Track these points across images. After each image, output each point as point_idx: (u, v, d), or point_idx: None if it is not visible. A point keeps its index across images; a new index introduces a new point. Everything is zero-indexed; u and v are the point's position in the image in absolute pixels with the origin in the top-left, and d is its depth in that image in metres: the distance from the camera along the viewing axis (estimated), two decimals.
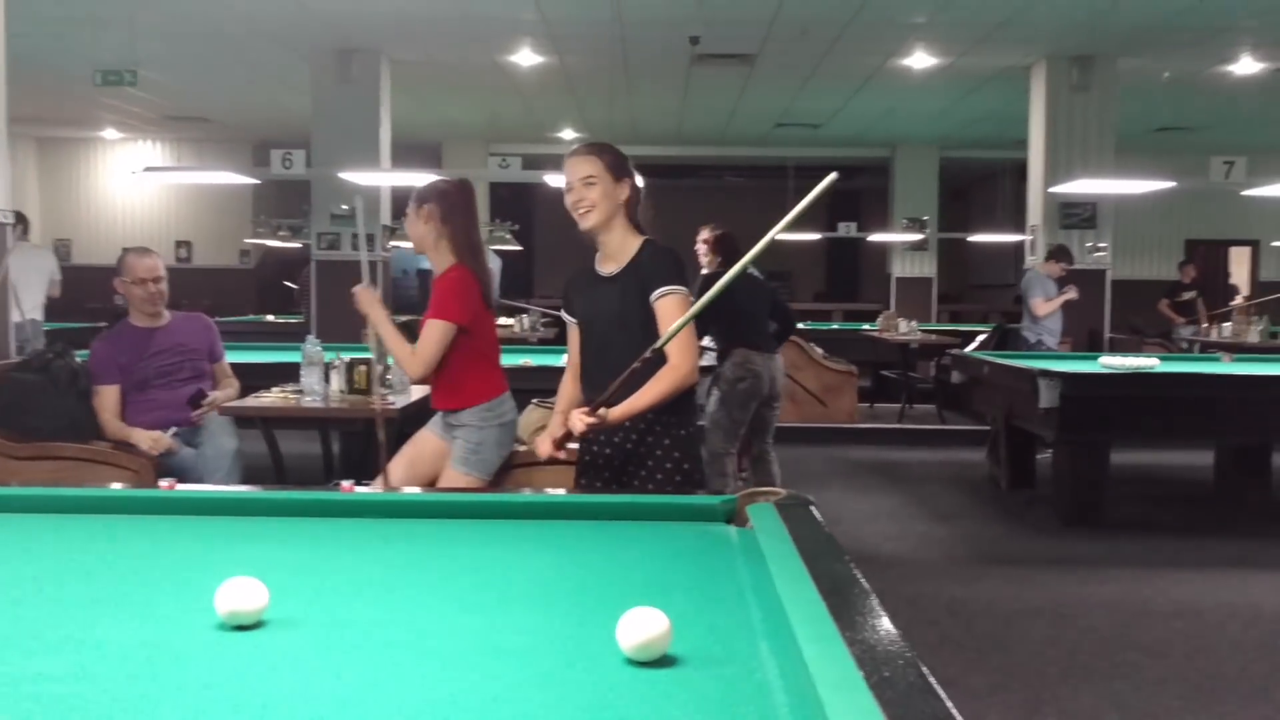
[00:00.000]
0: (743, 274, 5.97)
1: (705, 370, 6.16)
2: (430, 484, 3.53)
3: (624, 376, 2.66)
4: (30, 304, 6.92)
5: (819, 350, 9.22)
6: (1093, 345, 8.85)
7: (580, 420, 2.72)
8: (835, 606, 1.52)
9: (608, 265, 2.96)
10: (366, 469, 4.18)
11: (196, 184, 14.43)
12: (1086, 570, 5.03)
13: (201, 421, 4.25)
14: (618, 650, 1.45)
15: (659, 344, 2.68)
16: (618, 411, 2.76)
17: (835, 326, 12.49)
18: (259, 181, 11.45)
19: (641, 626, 1.44)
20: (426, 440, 3.73)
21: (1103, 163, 8.80)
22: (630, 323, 2.84)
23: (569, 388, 3.11)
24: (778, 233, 2.56)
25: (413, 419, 4.06)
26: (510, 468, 3.65)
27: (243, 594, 1.56)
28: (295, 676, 1.41)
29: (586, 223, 2.89)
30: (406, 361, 3.52)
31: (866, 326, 11.24)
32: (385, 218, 9.37)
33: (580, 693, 1.37)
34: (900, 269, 14.23)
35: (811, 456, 8.05)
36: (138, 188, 14.54)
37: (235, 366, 4.57)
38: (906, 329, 9.90)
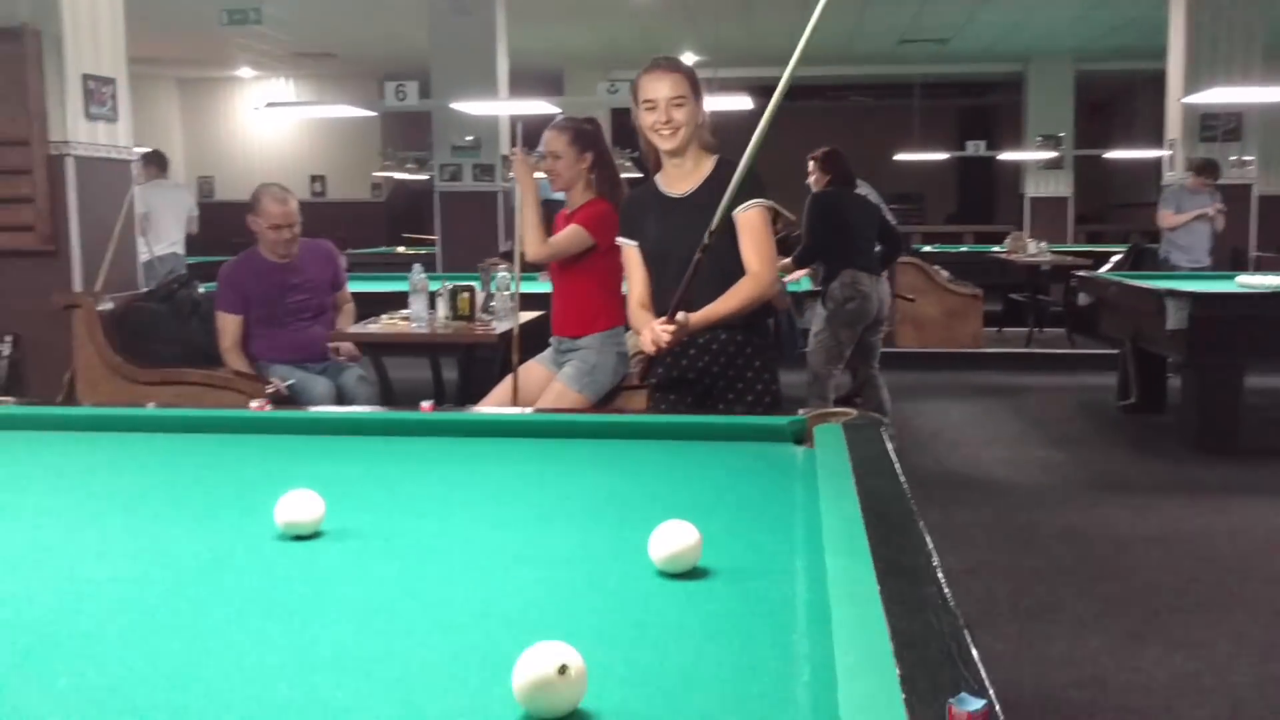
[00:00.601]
0: (850, 194, 5.89)
1: (813, 294, 6.09)
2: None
3: (689, 275, 2.62)
4: (171, 239, 7.26)
5: (944, 273, 9.00)
6: (1236, 265, 8.39)
7: (663, 332, 2.67)
8: (872, 523, 1.50)
9: (679, 186, 2.91)
10: (473, 394, 4.30)
11: (328, 119, 14.79)
12: (1212, 498, 4.83)
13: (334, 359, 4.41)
14: (650, 562, 1.47)
15: (712, 226, 2.61)
16: (698, 317, 2.73)
17: (963, 249, 12.13)
18: (375, 114, 11.65)
19: (670, 539, 1.46)
20: (533, 370, 3.84)
21: (1249, 70, 8.25)
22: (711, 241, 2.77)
23: (642, 315, 2.91)
24: (760, 136, 2.52)
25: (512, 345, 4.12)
26: (614, 393, 3.76)
27: (299, 506, 1.63)
28: (340, 582, 1.47)
29: (671, 144, 2.83)
30: (533, 239, 3.62)
31: (996, 249, 10.90)
32: (504, 147, 9.45)
33: (605, 600, 1.40)
34: (1034, 189, 13.69)
35: (933, 381, 7.90)
36: (273, 124, 15.00)
37: (359, 296, 4.73)
38: (1035, 250, 9.55)
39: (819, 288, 6.91)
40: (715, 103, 7.70)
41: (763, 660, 1.19)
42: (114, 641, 1.26)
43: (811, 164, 5.84)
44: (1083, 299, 6.98)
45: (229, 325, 4.22)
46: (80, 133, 4.45)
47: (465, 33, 9.14)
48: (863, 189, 6.96)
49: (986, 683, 1.01)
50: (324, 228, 15.15)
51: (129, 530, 1.72)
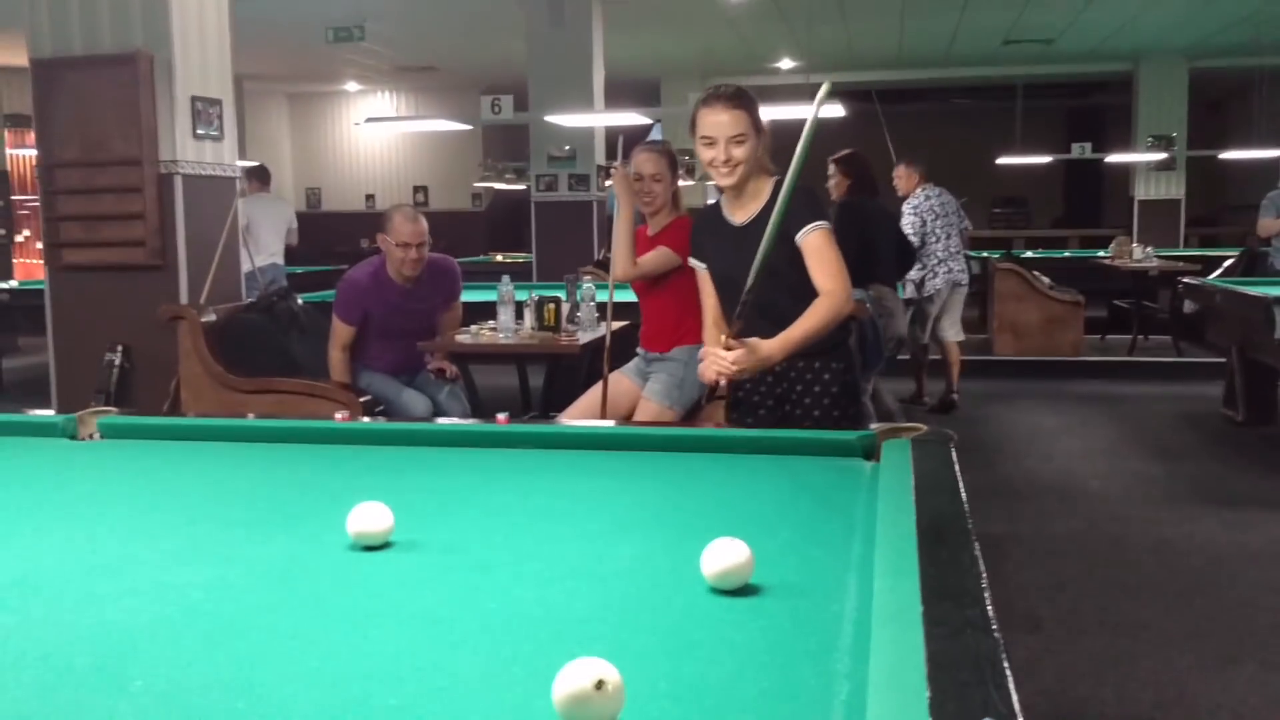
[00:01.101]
0: (874, 204, 5.77)
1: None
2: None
3: (739, 309, 2.51)
4: (271, 251, 7.52)
5: (1045, 280, 8.81)
6: None
7: (726, 363, 2.56)
8: (925, 542, 1.51)
9: (740, 213, 2.86)
10: (557, 403, 4.37)
11: (431, 132, 15.12)
12: None
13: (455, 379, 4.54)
14: (703, 578, 1.50)
15: (754, 267, 2.46)
16: (775, 345, 2.63)
17: (1066, 254, 11.85)
18: (470, 127, 11.86)
19: (721, 556, 1.48)
20: (619, 381, 3.90)
21: None
22: (778, 269, 2.66)
23: (714, 334, 2.92)
24: (797, 171, 2.40)
25: (597, 356, 4.18)
26: (700, 406, 3.80)
27: (370, 517, 1.70)
28: (402, 592, 1.53)
29: (729, 181, 2.77)
30: (624, 260, 3.69)
31: (1101, 254, 10.62)
32: (599, 157, 9.55)
33: (654, 615, 1.43)
34: (1144, 191, 13.29)
35: (1030, 390, 7.75)
36: (378, 137, 15.39)
37: None
38: (1141, 255, 9.28)
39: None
40: (808, 111, 7.67)
41: (802, 680, 1.21)
42: (185, 646, 1.34)
43: (833, 167, 5.68)
44: (1189, 306, 6.79)
45: (341, 333, 4.29)
46: (188, 151, 4.65)
47: (562, 44, 9.26)
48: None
49: (1016, 706, 1.02)
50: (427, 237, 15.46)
51: (210, 537, 1.81)
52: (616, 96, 9.96)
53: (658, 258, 3.69)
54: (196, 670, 1.26)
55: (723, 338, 2.65)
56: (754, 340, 2.59)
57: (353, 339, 4.32)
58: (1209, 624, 3.51)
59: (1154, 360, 8.46)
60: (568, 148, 9.50)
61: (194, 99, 4.62)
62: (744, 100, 2.76)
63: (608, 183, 9.80)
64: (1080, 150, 11.26)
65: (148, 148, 4.51)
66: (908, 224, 6.95)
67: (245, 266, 5.85)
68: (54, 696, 1.19)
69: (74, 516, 1.95)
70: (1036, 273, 8.87)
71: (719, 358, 2.57)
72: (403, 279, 4.30)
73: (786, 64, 13.14)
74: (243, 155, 7.35)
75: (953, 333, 7.03)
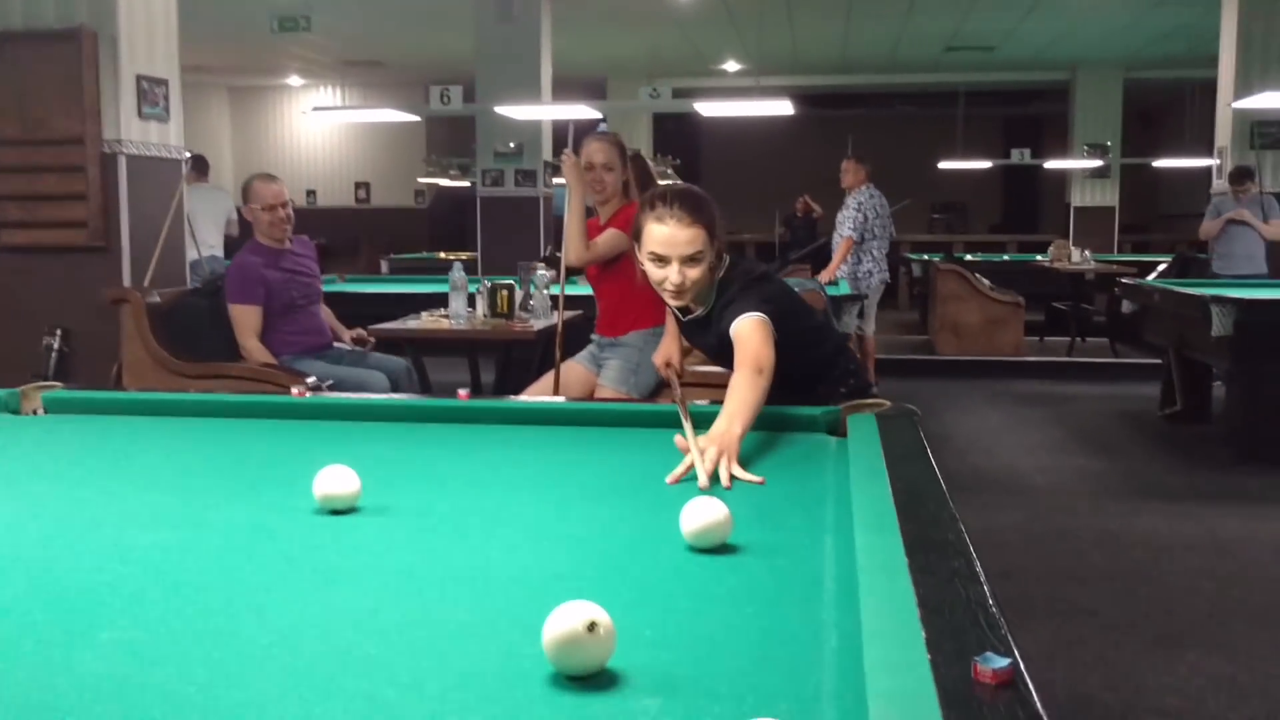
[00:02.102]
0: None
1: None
2: None
3: (683, 414, 2.19)
4: (210, 243, 7.35)
5: (985, 282, 8.94)
6: None
7: (721, 470, 1.90)
8: (903, 502, 1.51)
9: (694, 308, 2.57)
10: (511, 392, 4.33)
11: (373, 126, 14.96)
12: (1254, 506, 4.76)
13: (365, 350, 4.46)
14: (681, 540, 1.49)
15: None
16: (736, 425, 2.03)
17: (1005, 258, 12.04)
18: (419, 119, 11.77)
19: (700, 514, 1.47)
20: (572, 369, 3.88)
21: None
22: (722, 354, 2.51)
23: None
24: None
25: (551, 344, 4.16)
26: (655, 391, 3.78)
27: (337, 480, 1.66)
28: (375, 552, 1.50)
29: (678, 303, 2.48)
30: (577, 244, 3.66)
31: (1039, 258, 10.81)
32: (547, 153, 9.51)
33: (635, 571, 1.42)
34: (1080, 198, 13.56)
35: (972, 389, 7.85)
36: (320, 131, 15.20)
37: (398, 297, 4.80)
38: (1079, 259, 9.46)
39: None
40: (756, 108, 7.73)
41: (790, 628, 1.21)
42: (154, 601, 1.30)
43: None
44: (1126, 306, 6.92)
45: (250, 318, 4.17)
46: (133, 131, 4.54)
47: (510, 40, 9.20)
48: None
49: (1013, 645, 1.02)
50: (368, 233, 15.29)
51: (173, 504, 1.76)
52: (563, 94, 9.92)
53: (610, 240, 3.68)
54: (164, 624, 1.22)
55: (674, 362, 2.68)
56: (715, 433, 2.01)
57: (261, 322, 4.20)
58: (1153, 610, 3.58)
59: (1092, 361, 8.63)
60: (513, 144, 9.45)
61: (139, 78, 4.52)
62: (703, 213, 2.38)
63: (557, 180, 9.77)
64: (1019, 156, 11.46)
65: (91, 126, 4.39)
66: (849, 218, 7.06)
67: (190, 254, 5.73)
68: (16, 649, 1.14)
69: (23, 487, 1.89)
70: (977, 275, 9.00)
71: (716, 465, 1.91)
72: (277, 241, 4.26)
73: (732, 66, 13.21)
74: None
75: (871, 328, 7.21)
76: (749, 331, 2.31)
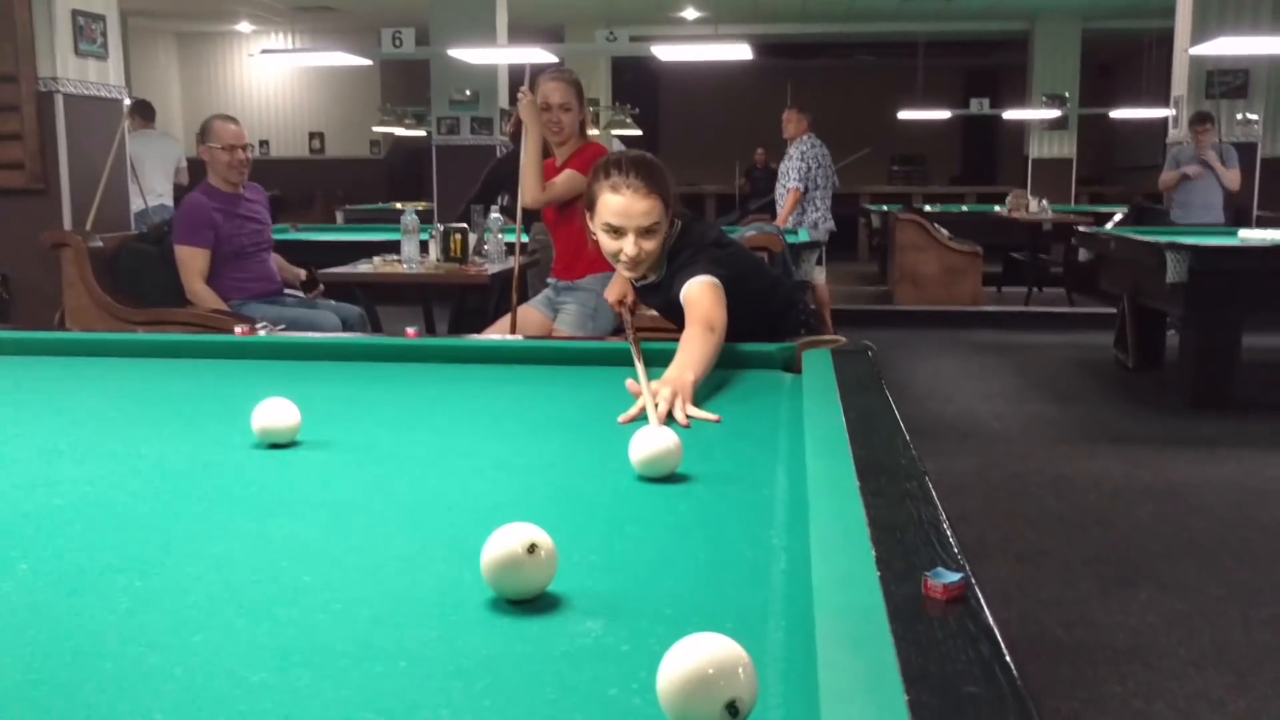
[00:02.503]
0: None
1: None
2: None
3: (636, 354, 2.16)
4: (158, 191, 7.17)
5: (944, 231, 8.95)
6: (1239, 223, 8.33)
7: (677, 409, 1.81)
8: (855, 430, 1.48)
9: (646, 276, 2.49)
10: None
11: (327, 75, 14.67)
12: (1206, 451, 4.81)
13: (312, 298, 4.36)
14: (631, 470, 1.45)
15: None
16: (691, 377, 1.93)
17: (964, 209, 12.06)
18: (371, 63, 11.54)
19: (649, 442, 1.43)
20: (528, 314, 3.82)
21: (1258, 21, 8.13)
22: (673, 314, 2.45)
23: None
24: None
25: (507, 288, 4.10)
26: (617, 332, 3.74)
27: (275, 413, 1.60)
28: (314, 485, 1.45)
29: (632, 274, 2.42)
30: (533, 184, 3.60)
31: (997, 208, 10.83)
32: (503, 100, 9.36)
33: (581, 500, 1.38)
34: (1038, 150, 13.58)
35: (930, 339, 7.87)
36: (272, 79, 14.88)
37: (351, 245, 4.69)
38: (1037, 208, 9.49)
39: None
40: (714, 52, 7.63)
41: (738, 552, 1.17)
42: (80, 532, 1.24)
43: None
44: (1083, 254, 6.95)
45: (197, 260, 4.06)
46: (70, 69, 4.39)
47: None
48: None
49: (966, 564, 0.99)
50: (322, 184, 15.03)
51: (107, 439, 1.70)
52: (519, 39, 9.75)
53: (567, 181, 3.61)
54: (89, 555, 1.17)
55: (627, 300, 2.61)
56: (668, 377, 1.94)
57: (209, 266, 4.10)
58: (1107, 551, 3.60)
59: (1049, 311, 8.68)
60: (469, 92, 9.29)
61: (75, 13, 4.35)
62: (659, 183, 2.30)
63: (506, 132, 9.64)
64: (979, 106, 11.44)
65: (25, 63, 4.24)
66: (793, 169, 7.02)
67: (135, 205, 5.58)
68: None
69: None
70: (936, 225, 9.00)
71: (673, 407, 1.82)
72: (231, 186, 4.15)
73: (691, 14, 13.04)
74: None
75: (822, 277, 7.19)
76: (699, 294, 2.24)
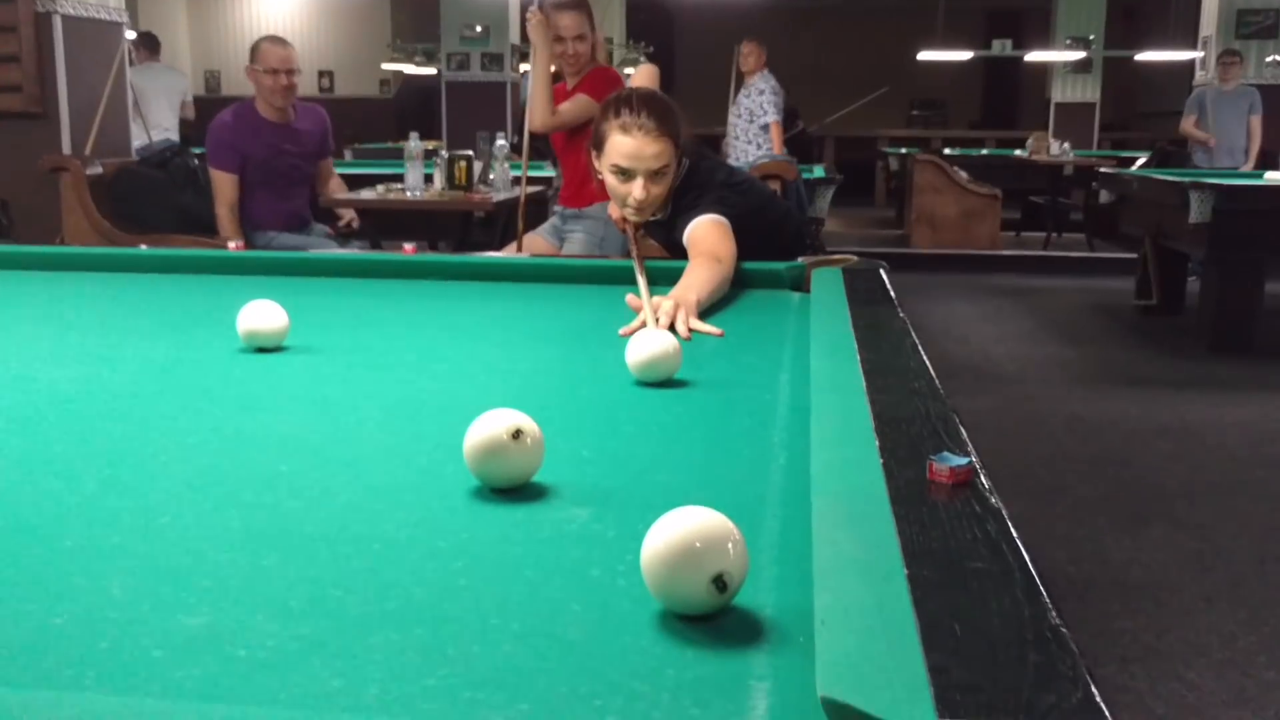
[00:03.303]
0: None
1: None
2: None
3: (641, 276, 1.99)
4: (164, 125, 7.08)
5: (963, 174, 8.80)
6: (1266, 166, 8.17)
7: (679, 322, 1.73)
8: (863, 335, 1.42)
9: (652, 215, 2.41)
10: None
11: (337, 12, 14.51)
12: (1225, 393, 4.73)
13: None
14: (629, 377, 1.39)
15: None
16: (694, 297, 1.84)
17: (984, 152, 11.87)
18: None
19: (647, 345, 1.38)
20: (535, 243, 3.75)
21: None
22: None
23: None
24: None
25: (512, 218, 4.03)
26: None
27: (262, 315, 1.55)
28: (298, 383, 1.41)
29: (639, 219, 2.30)
30: (541, 108, 3.49)
31: (1017, 152, 10.66)
32: (514, 36, 9.22)
33: (573, 401, 1.33)
34: (1060, 93, 13.32)
35: (946, 282, 7.77)
36: (281, 17, 14.71)
37: (358, 178, 4.61)
38: (1058, 150, 9.32)
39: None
40: None
41: (736, 449, 1.12)
42: (50, 424, 1.20)
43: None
44: (1105, 196, 6.83)
45: (223, 185, 3.95)
46: None
47: None
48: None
49: (972, 450, 0.93)
50: (333, 125, 14.91)
51: (88, 344, 1.65)
52: None
53: (577, 106, 3.52)
54: (61, 445, 1.12)
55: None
56: (672, 294, 1.86)
57: (237, 191, 3.98)
58: (1120, 490, 3.55)
59: (1068, 255, 8.55)
60: (479, 28, 9.15)
61: None
62: (670, 124, 2.20)
63: (524, 66, 9.49)
64: (1001, 47, 11.23)
65: None
66: (767, 102, 6.83)
67: (138, 141, 5.49)
68: None
69: None
70: (955, 168, 8.86)
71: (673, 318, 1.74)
72: (275, 112, 4.01)
73: None
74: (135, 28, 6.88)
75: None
76: (704, 231, 2.16)
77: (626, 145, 2.17)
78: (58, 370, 1.46)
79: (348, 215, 4.27)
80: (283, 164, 4.03)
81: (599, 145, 2.24)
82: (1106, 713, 0.51)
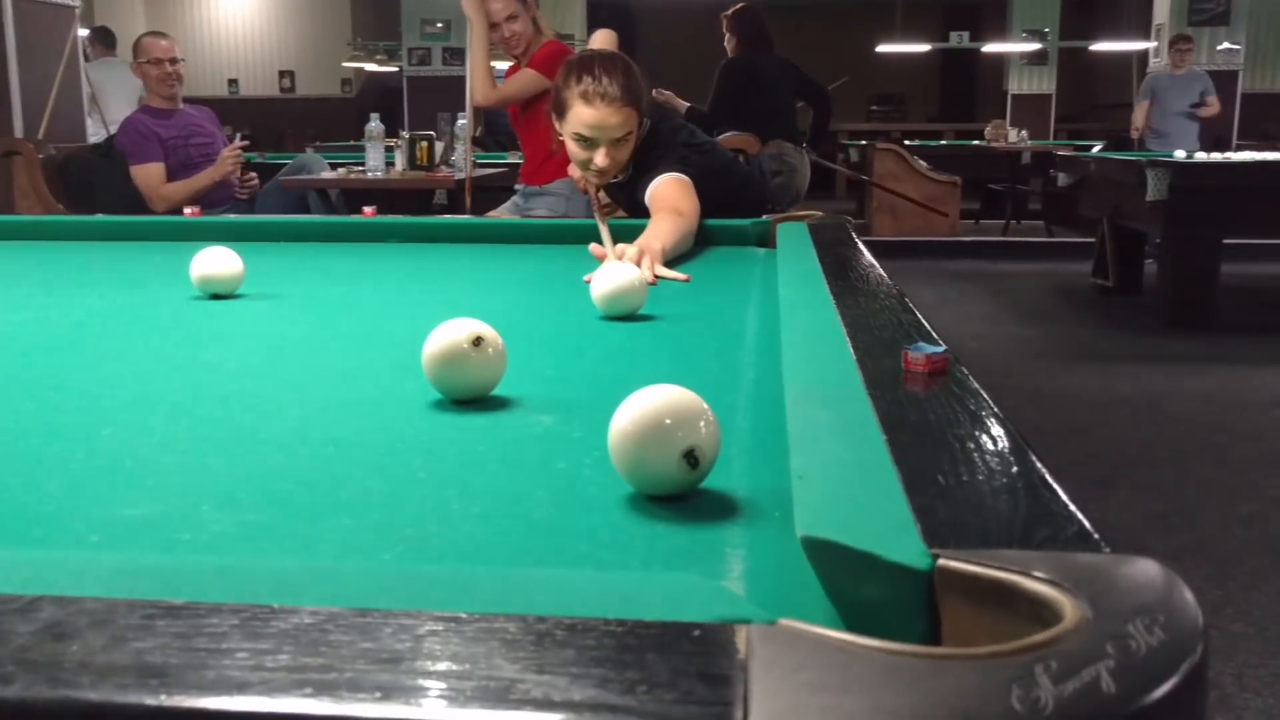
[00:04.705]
0: (766, 57, 5.53)
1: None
2: None
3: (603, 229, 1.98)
4: (121, 119, 6.94)
5: (922, 162, 8.84)
6: (1218, 151, 8.28)
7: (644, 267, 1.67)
8: (831, 269, 1.40)
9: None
10: None
11: (297, 11, 14.37)
12: (1185, 366, 4.77)
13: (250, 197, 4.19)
14: (594, 312, 1.36)
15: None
16: (658, 246, 1.80)
17: (943, 143, 11.95)
18: None
19: (612, 276, 1.34)
20: None
21: None
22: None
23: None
24: None
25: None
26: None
27: (217, 259, 1.50)
28: (253, 323, 1.36)
29: (604, 180, 2.29)
30: (483, 81, 3.44)
31: (976, 142, 10.73)
32: None
33: (539, 333, 1.30)
34: (1017, 85, 13.42)
35: (909, 269, 7.79)
36: (241, 17, 14.55)
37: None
38: (1016, 138, 9.39)
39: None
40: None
41: (705, 367, 1.09)
42: None
43: (725, 24, 5.51)
44: (1063, 180, 6.88)
45: (154, 176, 3.94)
46: None
47: None
48: None
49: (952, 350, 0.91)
50: (293, 124, 14.73)
51: (38, 295, 1.60)
52: None
53: (522, 80, 3.45)
54: (2, 378, 1.07)
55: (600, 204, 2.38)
56: (639, 242, 1.82)
57: (164, 178, 3.97)
58: (1085, 457, 3.56)
59: (1027, 240, 8.62)
60: (440, 23, 9.09)
61: None
62: (632, 90, 2.15)
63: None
64: (959, 39, 11.30)
65: None
66: None
67: (96, 135, 5.37)
68: None
69: None
70: (917, 157, 8.89)
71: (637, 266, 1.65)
72: (166, 101, 4.04)
73: None
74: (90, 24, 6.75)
75: None
76: (667, 187, 2.12)
77: (589, 115, 2.11)
78: (9, 315, 1.41)
79: (248, 176, 4.21)
80: (195, 148, 4.04)
81: (560, 111, 2.19)
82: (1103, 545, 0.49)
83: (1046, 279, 7.35)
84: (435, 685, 0.32)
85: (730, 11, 5.51)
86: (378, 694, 0.31)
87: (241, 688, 0.31)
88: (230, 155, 3.90)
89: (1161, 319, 5.57)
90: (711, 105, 5.34)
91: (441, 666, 0.33)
